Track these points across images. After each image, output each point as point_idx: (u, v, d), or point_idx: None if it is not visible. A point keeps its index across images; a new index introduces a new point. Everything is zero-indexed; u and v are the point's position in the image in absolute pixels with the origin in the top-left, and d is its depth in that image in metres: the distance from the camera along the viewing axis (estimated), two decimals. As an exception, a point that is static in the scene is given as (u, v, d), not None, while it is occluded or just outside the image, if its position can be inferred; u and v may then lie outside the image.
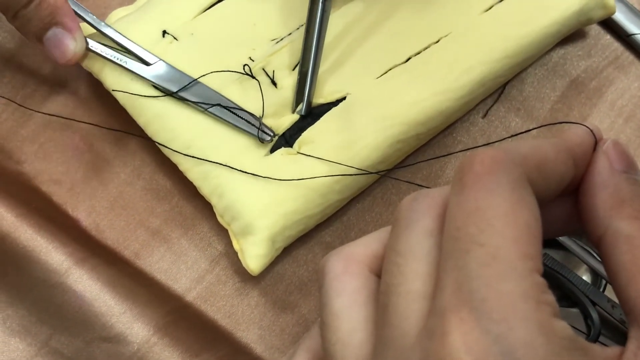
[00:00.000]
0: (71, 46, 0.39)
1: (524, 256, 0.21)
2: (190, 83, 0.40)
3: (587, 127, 0.26)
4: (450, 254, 0.22)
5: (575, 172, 0.26)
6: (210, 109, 0.40)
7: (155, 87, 0.41)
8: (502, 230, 0.22)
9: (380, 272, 0.25)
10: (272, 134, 0.40)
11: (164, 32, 0.42)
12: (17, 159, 0.43)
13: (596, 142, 0.26)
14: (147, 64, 0.41)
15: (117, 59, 0.41)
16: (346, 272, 0.25)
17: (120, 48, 0.41)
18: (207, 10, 0.43)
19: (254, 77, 0.41)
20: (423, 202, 0.24)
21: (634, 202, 0.24)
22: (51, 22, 0.39)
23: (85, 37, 0.40)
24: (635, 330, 0.22)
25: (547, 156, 0.24)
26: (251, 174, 0.39)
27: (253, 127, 0.39)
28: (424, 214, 0.24)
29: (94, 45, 0.41)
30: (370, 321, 0.24)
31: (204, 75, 0.41)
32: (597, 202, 0.25)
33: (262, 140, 0.39)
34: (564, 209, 0.27)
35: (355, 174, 0.39)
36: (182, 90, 0.40)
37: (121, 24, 0.42)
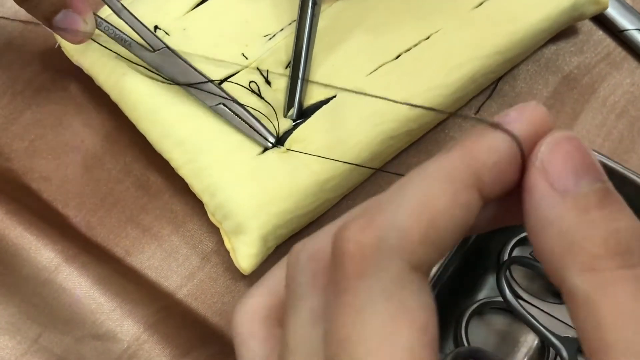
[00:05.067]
0: (81, 28, 0.39)
1: None
2: (201, 82, 0.39)
3: (506, 131, 0.20)
4: None
5: (495, 192, 0.20)
6: (214, 108, 0.39)
7: (163, 77, 0.40)
8: None
9: None
10: (274, 142, 0.39)
11: (156, 27, 0.42)
12: (7, 155, 0.43)
13: (523, 151, 0.20)
14: (152, 50, 0.40)
15: (122, 40, 0.40)
16: (253, 336, 0.24)
17: (123, 31, 0.40)
18: (199, 7, 0.43)
19: (262, 98, 0.40)
20: (307, 266, 0.22)
21: (586, 242, 0.18)
22: (61, 5, 0.38)
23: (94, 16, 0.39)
24: None
25: (438, 210, 0.19)
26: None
27: (253, 130, 0.39)
28: (308, 289, 0.21)
29: (101, 24, 0.40)
30: None
31: (213, 80, 0.40)
32: (542, 246, 0.19)
33: (265, 148, 0.39)
34: (502, 205, 0.22)
35: (351, 163, 0.39)
36: (190, 85, 0.39)
37: (113, 18, 0.42)
